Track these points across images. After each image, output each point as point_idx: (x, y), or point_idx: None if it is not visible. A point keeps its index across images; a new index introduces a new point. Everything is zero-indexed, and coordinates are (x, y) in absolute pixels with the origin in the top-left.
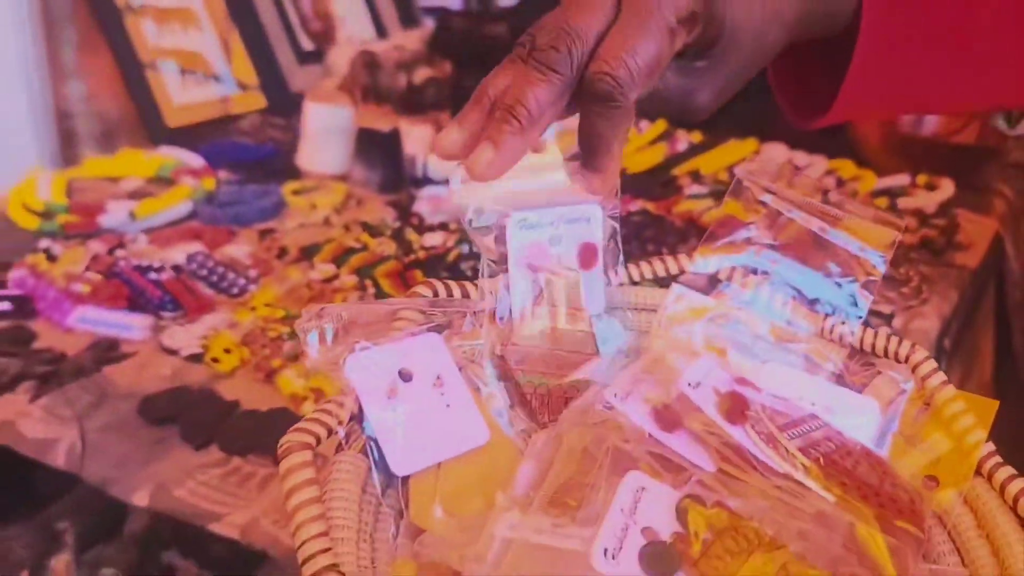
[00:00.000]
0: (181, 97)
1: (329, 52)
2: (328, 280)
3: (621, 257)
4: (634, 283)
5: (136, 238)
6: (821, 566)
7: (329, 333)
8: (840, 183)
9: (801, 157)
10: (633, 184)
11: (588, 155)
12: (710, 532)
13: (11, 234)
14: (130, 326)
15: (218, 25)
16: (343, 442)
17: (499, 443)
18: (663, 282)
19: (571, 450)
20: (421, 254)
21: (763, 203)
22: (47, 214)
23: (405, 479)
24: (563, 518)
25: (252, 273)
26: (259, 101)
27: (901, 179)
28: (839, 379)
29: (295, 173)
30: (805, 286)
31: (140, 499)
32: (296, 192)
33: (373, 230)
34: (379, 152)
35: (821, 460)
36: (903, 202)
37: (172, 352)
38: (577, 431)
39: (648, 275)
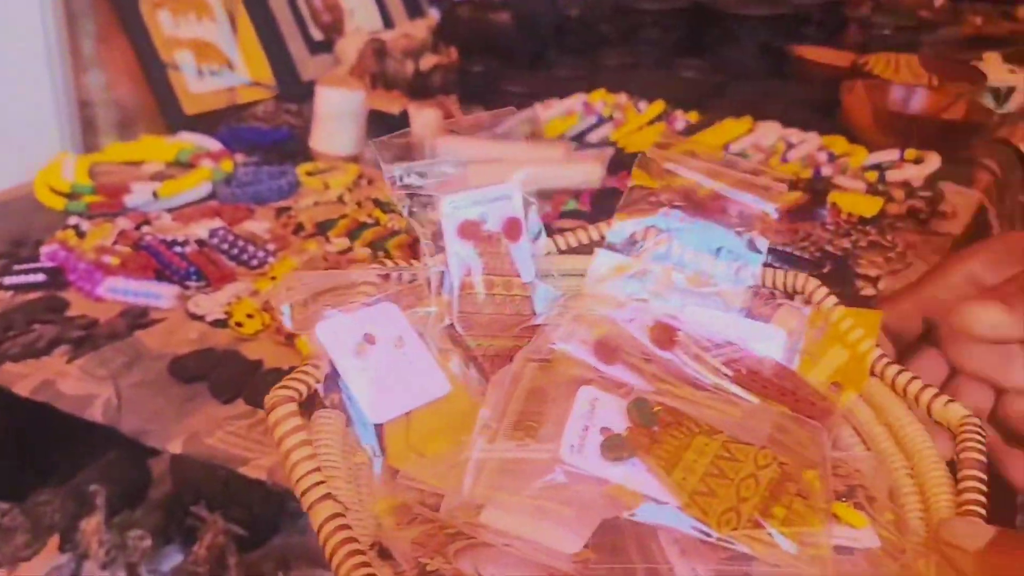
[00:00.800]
0: (197, 86)
1: (338, 42)
2: (343, 252)
3: (542, 231)
4: (560, 252)
5: (160, 216)
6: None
7: (299, 303)
8: (832, 158)
9: (795, 135)
10: (631, 162)
11: None
12: (658, 425)
13: (40, 215)
14: (158, 295)
15: (231, 16)
16: (322, 399)
17: (459, 395)
18: (587, 250)
19: (527, 386)
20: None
21: (668, 170)
22: (73, 195)
23: (379, 427)
24: (527, 439)
25: (271, 247)
26: (271, 89)
27: (891, 154)
28: (748, 315)
29: (309, 155)
30: (709, 238)
31: (174, 447)
32: (310, 173)
33: (384, 206)
34: (389, 134)
35: (743, 371)
36: (891, 175)
37: (198, 318)
38: (532, 367)
39: (573, 243)
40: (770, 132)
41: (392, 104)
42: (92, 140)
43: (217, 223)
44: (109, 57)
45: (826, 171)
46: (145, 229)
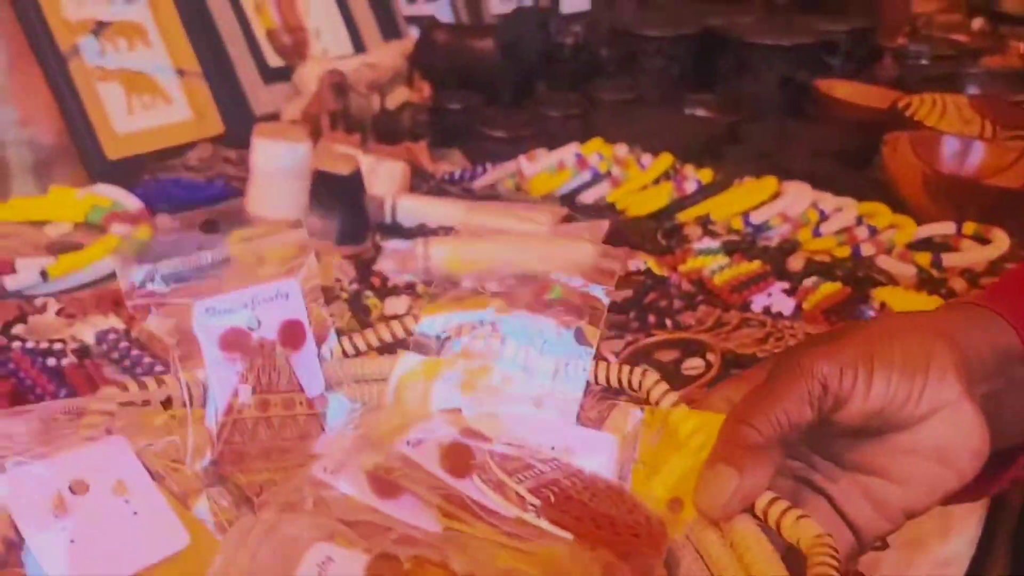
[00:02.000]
0: (125, 125)
1: (298, 69)
2: None
3: (333, 330)
4: (359, 354)
5: (46, 306)
6: None
7: None
8: (873, 233)
9: (827, 200)
10: (633, 231)
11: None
12: None
13: None
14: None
15: (171, 43)
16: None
17: (204, 545)
18: (390, 349)
19: (264, 543)
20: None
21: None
22: None
23: None
24: None
25: (179, 352)
26: (216, 127)
27: (944, 227)
28: (577, 419)
29: (247, 217)
30: (533, 332)
31: None
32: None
33: (326, 294)
34: (337, 198)
35: (551, 497)
36: (949, 259)
37: None
38: (289, 519)
39: (374, 343)
40: (800, 197)
41: (342, 162)
42: (2, 187)
43: (111, 321)
44: (23, 90)
45: (866, 249)
46: (17, 330)
